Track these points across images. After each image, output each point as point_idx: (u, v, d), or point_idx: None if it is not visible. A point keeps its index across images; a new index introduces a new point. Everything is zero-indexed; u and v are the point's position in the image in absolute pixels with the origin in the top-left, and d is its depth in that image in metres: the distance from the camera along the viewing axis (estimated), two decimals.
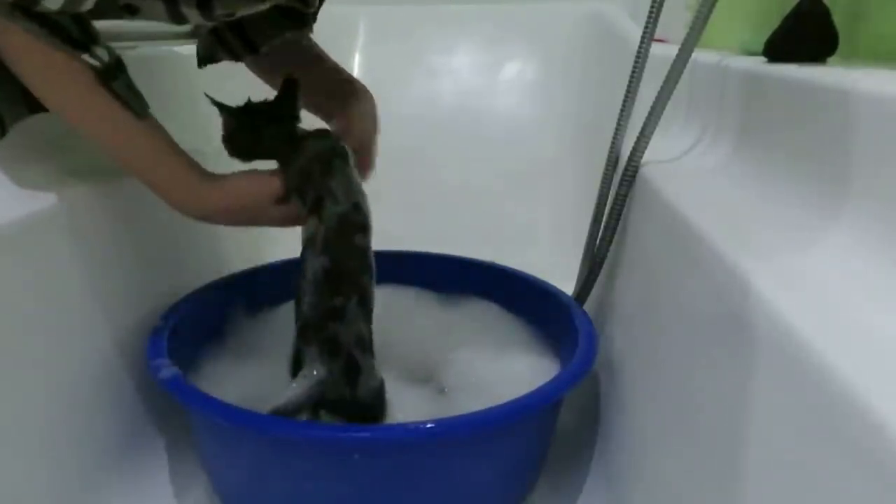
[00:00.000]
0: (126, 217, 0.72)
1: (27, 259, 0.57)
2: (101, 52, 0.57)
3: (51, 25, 0.54)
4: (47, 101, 0.58)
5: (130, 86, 0.60)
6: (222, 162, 0.66)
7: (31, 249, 0.57)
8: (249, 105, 0.67)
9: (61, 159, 0.67)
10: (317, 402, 0.61)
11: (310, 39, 0.79)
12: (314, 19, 0.78)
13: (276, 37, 0.74)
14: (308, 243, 0.64)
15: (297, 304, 0.65)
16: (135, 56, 0.86)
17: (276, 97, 0.69)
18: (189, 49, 0.83)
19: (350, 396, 0.62)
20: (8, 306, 0.54)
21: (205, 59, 0.77)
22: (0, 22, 0.53)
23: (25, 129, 0.64)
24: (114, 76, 0.58)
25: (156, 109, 0.78)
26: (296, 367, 0.64)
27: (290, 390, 0.60)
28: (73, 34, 0.55)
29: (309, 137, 0.67)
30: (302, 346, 0.63)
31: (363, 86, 0.77)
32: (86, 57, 0.56)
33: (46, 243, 0.59)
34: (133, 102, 0.59)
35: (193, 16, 0.63)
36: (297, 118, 0.68)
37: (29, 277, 0.57)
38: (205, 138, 0.80)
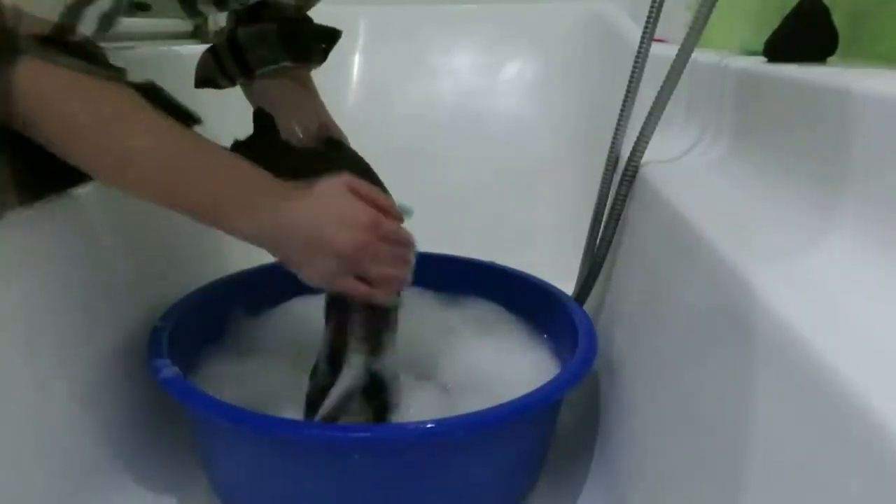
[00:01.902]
0: (126, 217, 0.72)
1: (27, 259, 0.57)
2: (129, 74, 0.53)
3: (85, 56, 0.50)
4: (97, 135, 0.51)
5: (173, 98, 0.57)
6: None
7: (31, 249, 0.57)
8: (237, 143, 0.67)
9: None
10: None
11: (309, 79, 0.78)
12: (323, 57, 0.78)
13: (273, 63, 0.73)
14: None
15: (331, 306, 0.64)
16: (135, 56, 0.86)
17: (254, 133, 0.68)
18: (189, 49, 0.83)
19: (383, 396, 0.62)
20: (8, 306, 0.54)
21: (202, 80, 0.76)
22: (31, 65, 0.47)
23: None
24: (159, 89, 0.55)
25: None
26: (332, 366, 0.62)
27: (334, 395, 0.58)
28: (103, 60, 0.52)
29: (322, 153, 0.68)
30: (340, 346, 0.61)
31: (340, 134, 0.76)
32: (130, 79, 0.52)
33: (46, 244, 0.59)
34: (185, 111, 0.56)
35: (209, 9, 0.63)
36: (278, 143, 0.68)
37: (29, 277, 0.57)
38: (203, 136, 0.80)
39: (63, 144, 0.51)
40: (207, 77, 0.75)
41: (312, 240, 0.54)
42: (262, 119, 0.69)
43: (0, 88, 0.47)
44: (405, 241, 0.58)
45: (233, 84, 0.76)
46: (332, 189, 0.56)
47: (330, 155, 0.70)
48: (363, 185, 0.58)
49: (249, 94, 0.76)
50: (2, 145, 0.50)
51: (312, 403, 0.62)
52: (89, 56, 0.50)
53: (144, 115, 0.53)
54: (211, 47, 0.75)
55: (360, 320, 0.61)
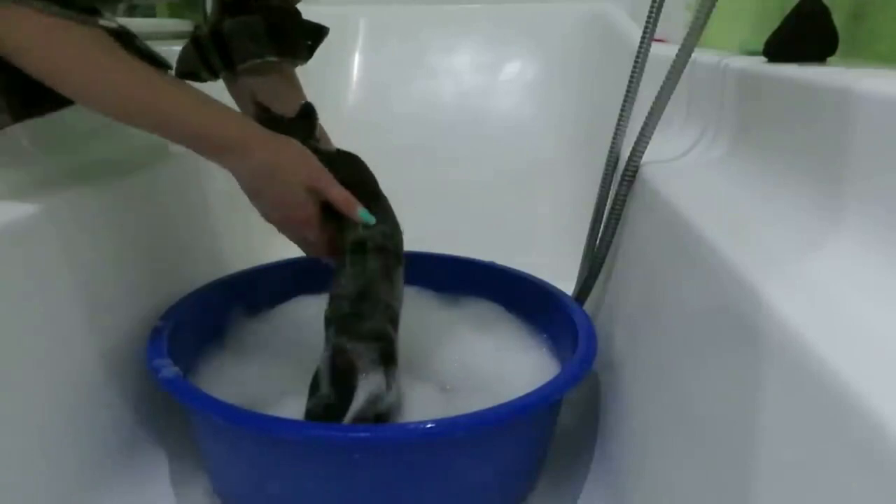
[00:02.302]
0: (126, 217, 0.72)
1: (27, 259, 0.57)
2: (109, 18, 0.57)
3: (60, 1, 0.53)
4: (70, 76, 0.56)
5: (148, 47, 0.59)
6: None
7: (31, 249, 0.57)
8: (268, 114, 0.68)
9: (62, 159, 0.67)
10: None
11: (293, 76, 0.78)
12: (309, 54, 0.77)
13: (257, 57, 0.72)
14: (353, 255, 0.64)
15: (335, 312, 0.63)
16: None
17: (294, 118, 0.70)
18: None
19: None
20: (8, 306, 0.54)
21: (183, 73, 0.74)
22: (9, 10, 0.51)
23: (26, 129, 0.64)
24: (133, 36, 0.58)
25: None
26: (336, 387, 0.60)
27: (356, 403, 0.58)
28: (83, 4, 0.55)
29: (338, 156, 0.69)
30: (344, 368, 0.60)
31: (324, 133, 0.77)
32: (103, 22, 0.56)
33: (47, 243, 0.59)
34: (158, 59, 0.59)
35: None
36: (312, 139, 0.70)
37: (29, 277, 0.57)
38: None
39: (45, 78, 0.55)
40: (189, 69, 0.74)
41: (253, 193, 0.63)
42: (308, 111, 0.71)
43: None
44: (315, 253, 0.67)
45: (215, 77, 0.75)
46: (292, 172, 0.63)
47: (339, 162, 0.69)
48: (328, 188, 0.64)
49: (232, 89, 0.76)
50: None
51: (314, 419, 0.60)
52: (65, 1, 0.53)
53: (119, 59, 0.56)
54: (194, 38, 0.74)
55: (365, 347, 0.61)
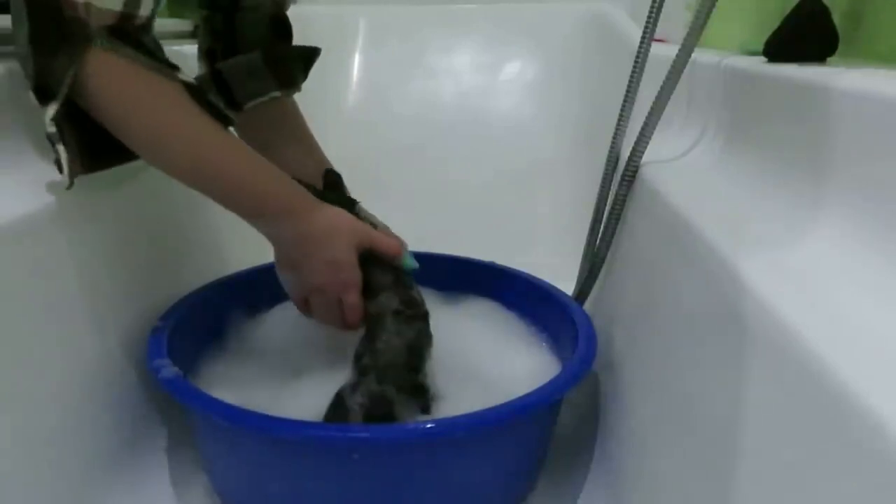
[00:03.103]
0: (126, 217, 0.72)
1: (27, 259, 0.57)
2: (184, 75, 0.57)
3: (145, 50, 0.54)
4: (142, 129, 0.56)
5: (215, 102, 0.59)
6: None
7: (31, 249, 0.57)
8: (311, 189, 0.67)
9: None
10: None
11: (296, 107, 0.78)
12: (303, 79, 0.77)
13: (262, 96, 0.73)
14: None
15: (377, 360, 0.64)
16: None
17: (331, 191, 0.71)
18: (189, 49, 0.83)
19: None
20: (8, 306, 0.54)
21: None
22: (100, 55, 0.52)
23: (27, 129, 0.64)
24: (204, 91, 0.58)
25: None
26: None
27: None
28: (160, 55, 0.56)
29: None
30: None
31: (329, 165, 0.77)
32: (181, 76, 0.56)
33: (47, 243, 0.59)
34: (223, 114, 0.59)
35: None
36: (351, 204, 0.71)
37: (29, 277, 0.57)
38: None
39: (121, 128, 0.56)
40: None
41: (301, 257, 0.63)
42: (332, 178, 0.73)
43: (73, 73, 0.51)
44: (353, 314, 0.64)
45: (229, 122, 0.75)
46: (347, 234, 0.63)
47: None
48: (379, 241, 0.65)
49: (240, 132, 0.75)
50: (72, 119, 0.55)
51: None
52: (149, 51, 0.55)
53: (194, 113, 0.57)
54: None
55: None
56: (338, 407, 0.62)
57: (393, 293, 0.65)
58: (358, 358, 0.64)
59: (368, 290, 0.65)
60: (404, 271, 0.67)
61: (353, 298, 0.64)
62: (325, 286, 0.63)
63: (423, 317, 0.66)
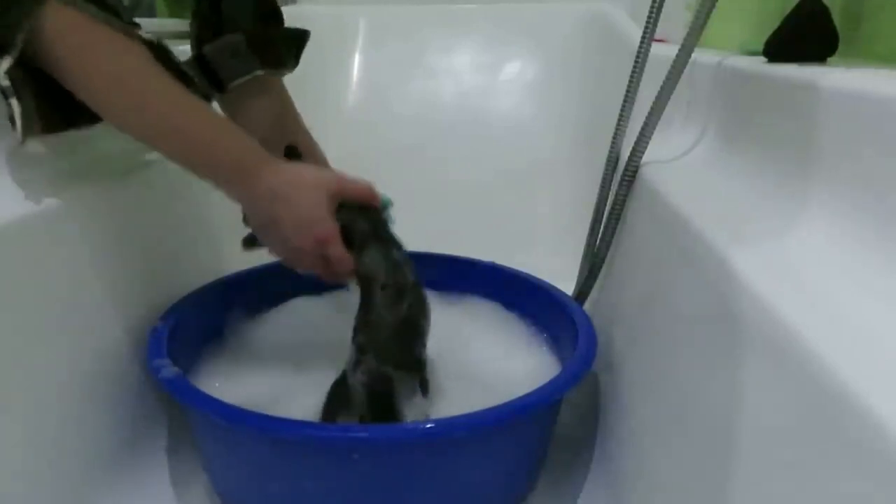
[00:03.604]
0: (126, 217, 0.72)
1: (27, 259, 0.57)
2: (146, 33, 0.57)
3: (105, 8, 0.54)
4: (101, 87, 0.56)
5: (179, 64, 0.60)
6: None
7: (31, 249, 0.57)
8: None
9: (62, 159, 0.67)
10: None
11: (283, 88, 0.77)
12: (294, 63, 0.77)
13: (245, 74, 0.72)
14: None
15: (373, 338, 0.64)
16: None
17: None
18: (189, 49, 0.83)
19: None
20: (8, 306, 0.54)
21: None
22: (58, 10, 0.51)
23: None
24: (168, 50, 0.59)
25: None
26: (378, 405, 0.63)
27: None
28: (123, 17, 0.56)
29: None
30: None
31: (314, 144, 0.77)
32: (141, 33, 0.56)
33: (47, 243, 0.59)
34: (188, 76, 0.60)
35: None
36: None
37: (29, 277, 0.57)
38: None
39: (79, 87, 0.55)
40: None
41: (269, 220, 0.61)
42: (290, 153, 0.72)
43: (27, 29, 0.50)
44: (341, 265, 0.62)
45: (208, 101, 0.74)
46: (312, 188, 0.61)
47: None
48: (349, 187, 0.63)
49: (224, 107, 0.75)
50: (28, 78, 0.54)
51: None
52: (108, 8, 0.55)
53: (155, 73, 0.57)
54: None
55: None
56: (339, 384, 0.63)
57: (376, 250, 0.64)
58: (355, 333, 0.64)
59: (350, 241, 0.63)
60: (381, 216, 0.66)
61: (336, 251, 0.61)
62: (303, 246, 0.61)
63: (413, 287, 0.65)
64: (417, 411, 0.63)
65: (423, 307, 0.66)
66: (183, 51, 0.79)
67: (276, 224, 0.61)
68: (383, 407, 0.62)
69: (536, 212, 1.34)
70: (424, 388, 0.65)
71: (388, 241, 0.66)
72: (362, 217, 0.64)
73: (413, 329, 0.65)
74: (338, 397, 0.63)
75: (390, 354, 0.63)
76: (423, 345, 0.66)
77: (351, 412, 0.62)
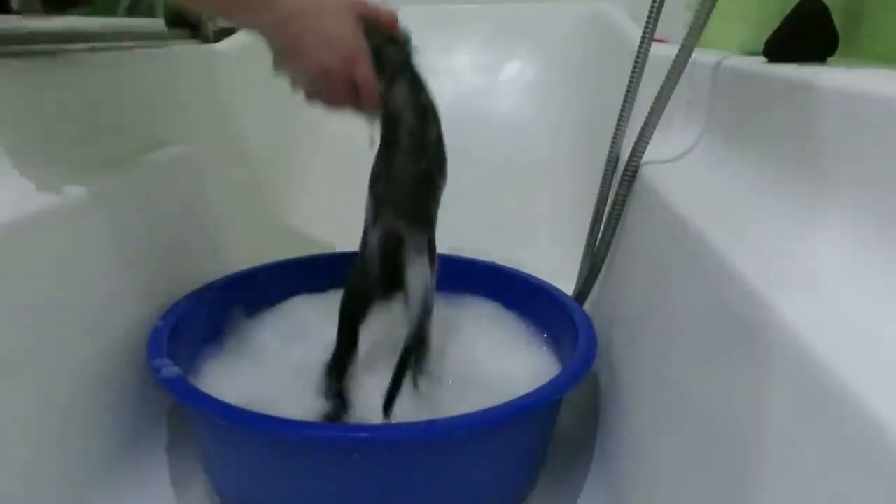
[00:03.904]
0: (126, 217, 0.72)
1: (27, 258, 0.57)
2: None
3: None
4: None
5: None
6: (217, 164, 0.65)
7: (31, 249, 0.57)
8: None
9: (62, 159, 0.67)
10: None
11: None
12: None
13: None
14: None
15: (390, 191, 0.63)
16: (135, 56, 0.86)
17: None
18: (189, 49, 0.83)
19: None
20: (8, 306, 0.54)
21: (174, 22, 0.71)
22: None
23: (27, 129, 0.64)
24: None
25: (155, 108, 0.77)
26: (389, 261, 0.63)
27: (415, 290, 0.63)
28: None
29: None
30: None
31: None
32: None
33: (46, 243, 0.59)
34: None
35: None
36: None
37: (29, 277, 0.57)
38: (203, 136, 0.80)
39: None
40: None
41: (294, 39, 0.56)
42: None
43: None
44: (369, 90, 0.58)
45: None
46: (340, 3, 0.57)
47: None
48: (374, 10, 0.59)
49: None
50: None
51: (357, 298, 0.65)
52: None
53: None
54: None
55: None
56: (365, 242, 0.63)
57: (407, 86, 0.62)
58: (375, 180, 0.63)
59: (379, 69, 0.60)
60: (410, 48, 0.63)
61: (365, 71, 0.57)
62: (331, 66, 0.57)
63: (436, 139, 0.65)
64: (428, 278, 0.64)
65: (442, 163, 0.65)
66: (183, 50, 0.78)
67: (300, 43, 0.56)
68: (394, 271, 0.62)
69: (536, 212, 1.34)
70: (433, 258, 0.65)
71: (417, 80, 0.63)
72: (392, 44, 0.61)
73: (430, 184, 0.64)
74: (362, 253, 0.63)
75: (406, 209, 0.62)
76: (437, 202, 0.64)
77: (367, 270, 0.63)
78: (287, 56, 0.57)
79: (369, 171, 0.71)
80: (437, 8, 1.54)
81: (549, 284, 0.82)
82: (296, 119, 1.28)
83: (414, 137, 0.62)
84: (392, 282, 0.63)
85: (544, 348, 0.78)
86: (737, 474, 0.40)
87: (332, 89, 0.58)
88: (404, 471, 0.58)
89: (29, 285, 0.57)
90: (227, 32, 1.13)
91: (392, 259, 0.62)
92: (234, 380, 0.71)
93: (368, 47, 0.58)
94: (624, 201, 0.76)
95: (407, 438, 0.56)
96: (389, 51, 0.60)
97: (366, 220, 0.63)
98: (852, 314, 0.38)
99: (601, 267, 0.82)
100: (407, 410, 0.64)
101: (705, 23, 0.67)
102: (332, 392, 0.66)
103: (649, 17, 0.78)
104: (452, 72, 1.51)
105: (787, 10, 0.70)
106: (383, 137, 0.62)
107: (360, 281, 0.65)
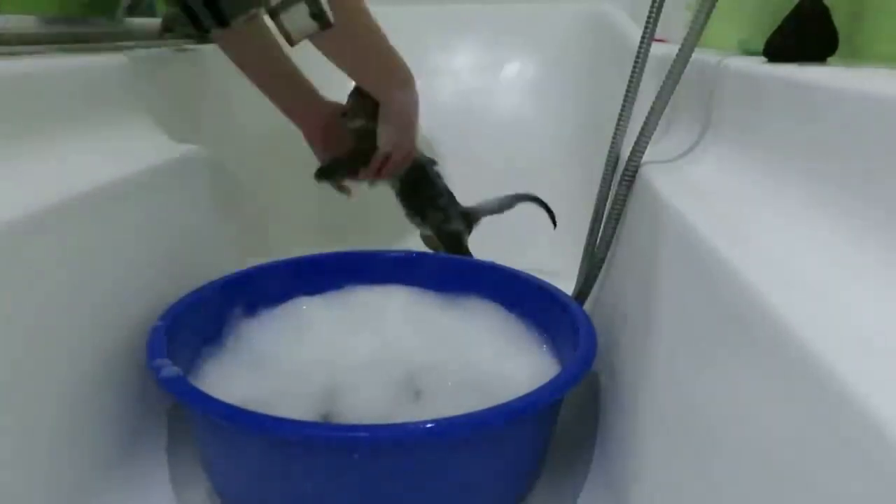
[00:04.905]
0: (126, 217, 0.72)
1: (27, 258, 0.57)
2: None
3: None
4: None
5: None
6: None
7: (31, 249, 0.57)
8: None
9: (62, 159, 0.67)
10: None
11: (265, 25, 0.81)
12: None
13: (249, 8, 0.71)
14: None
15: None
16: (135, 56, 0.86)
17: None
18: (190, 49, 0.83)
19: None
20: (8, 306, 0.54)
21: (167, 28, 0.79)
22: None
23: (27, 129, 0.64)
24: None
25: (155, 108, 0.77)
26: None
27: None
28: None
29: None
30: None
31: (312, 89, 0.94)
32: None
33: (45, 242, 0.59)
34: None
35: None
36: None
37: (28, 277, 0.57)
38: (203, 136, 0.80)
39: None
40: (172, 27, 0.76)
41: (414, 115, 0.92)
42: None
43: None
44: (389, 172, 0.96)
45: (201, 31, 0.74)
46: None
47: None
48: None
49: (223, 45, 0.78)
50: None
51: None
52: None
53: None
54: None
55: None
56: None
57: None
58: (431, 201, 1.02)
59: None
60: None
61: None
62: (409, 150, 0.92)
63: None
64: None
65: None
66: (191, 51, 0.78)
67: (413, 120, 0.89)
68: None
69: (536, 212, 1.34)
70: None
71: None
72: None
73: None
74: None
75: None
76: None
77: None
78: (402, 126, 0.90)
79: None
80: (437, 8, 1.54)
81: (549, 284, 0.82)
82: None
83: (436, 167, 1.09)
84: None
85: (544, 348, 0.78)
86: (736, 474, 0.40)
87: (402, 152, 0.94)
88: (404, 471, 0.58)
89: (29, 285, 0.57)
90: None
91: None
92: (233, 380, 0.71)
93: None
94: (624, 201, 0.76)
95: (407, 438, 0.56)
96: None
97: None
98: (852, 314, 0.38)
99: (601, 267, 0.82)
100: (407, 410, 0.64)
101: (705, 23, 0.67)
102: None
103: (649, 17, 0.78)
104: (452, 71, 1.51)
105: (787, 10, 0.70)
106: (414, 176, 1.04)
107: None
